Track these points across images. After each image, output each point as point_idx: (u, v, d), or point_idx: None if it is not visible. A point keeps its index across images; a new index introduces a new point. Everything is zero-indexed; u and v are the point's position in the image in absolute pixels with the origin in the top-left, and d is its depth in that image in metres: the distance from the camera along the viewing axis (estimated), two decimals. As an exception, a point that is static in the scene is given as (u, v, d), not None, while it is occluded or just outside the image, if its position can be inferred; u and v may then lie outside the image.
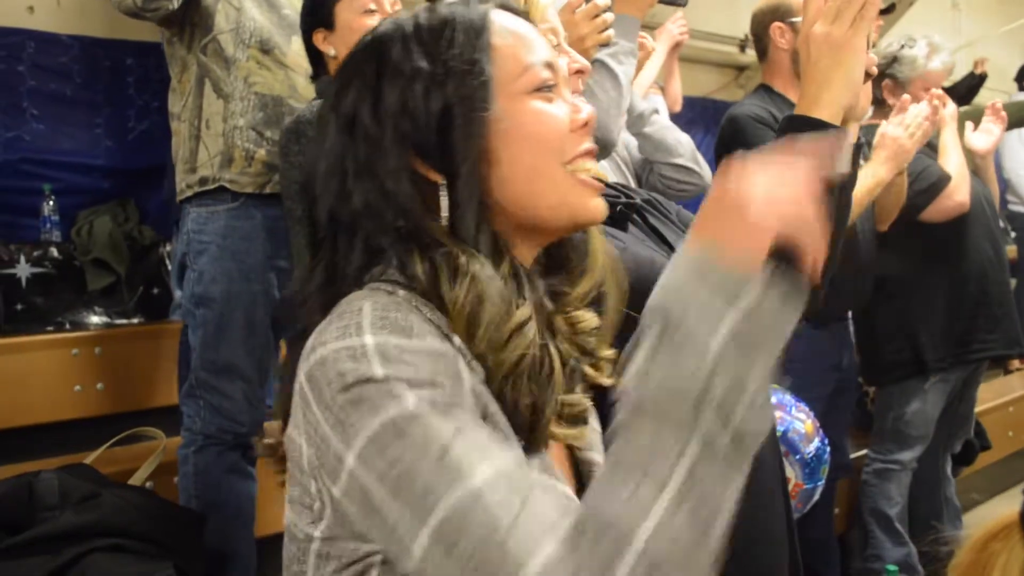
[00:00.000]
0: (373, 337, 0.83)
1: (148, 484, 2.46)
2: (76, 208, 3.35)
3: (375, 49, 0.99)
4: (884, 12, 4.06)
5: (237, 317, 2.47)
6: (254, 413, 2.51)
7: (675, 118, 4.19)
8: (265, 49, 2.46)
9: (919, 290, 3.20)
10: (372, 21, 2.34)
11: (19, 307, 3.03)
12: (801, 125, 1.31)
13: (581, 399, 1.00)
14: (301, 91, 2.48)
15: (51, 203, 3.30)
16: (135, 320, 3.22)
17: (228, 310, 2.47)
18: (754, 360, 0.78)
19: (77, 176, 3.42)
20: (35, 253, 3.14)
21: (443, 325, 0.88)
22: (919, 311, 3.21)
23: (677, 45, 3.87)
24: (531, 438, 0.91)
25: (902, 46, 3.15)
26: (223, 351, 2.48)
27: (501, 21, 1.00)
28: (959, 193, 3.02)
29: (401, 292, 0.89)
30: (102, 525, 1.95)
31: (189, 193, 2.52)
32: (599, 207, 1.01)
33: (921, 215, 3.01)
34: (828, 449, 2.53)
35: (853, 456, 3.61)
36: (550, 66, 1.00)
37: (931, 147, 3.11)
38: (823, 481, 2.52)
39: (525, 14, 1.05)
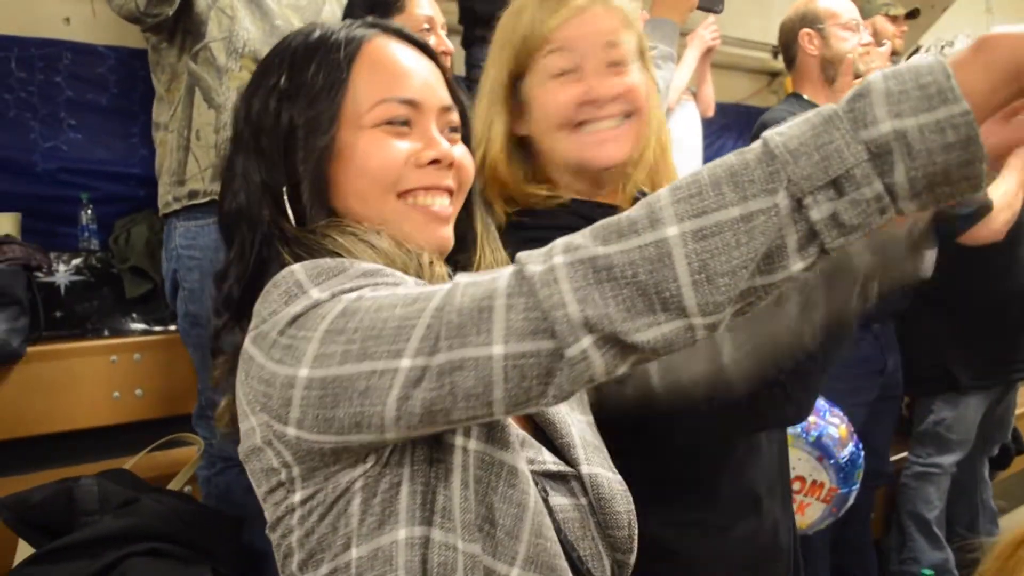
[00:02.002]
0: (317, 288, 0.89)
1: (186, 488, 2.47)
2: (113, 216, 3.37)
3: (264, 63, 1.10)
4: (908, 16, 4.03)
5: None
6: None
7: (707, 124, 4.19)
8: (258, 59, 2.37)
9: (959, 310, 3.15)
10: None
11: (58, 314, 3.05)
12: None
13: None
14: None
15: (89, 212, 3.33)
16: (172, 327, 3.24)
17: None
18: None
19: (114, 185, 3.44)
20: (74, 261, 3.16)
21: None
22: (956, 333, 3.16)
23: (709, 51, 3.86)
24: None
25: (941, 48, 3.11)
26: None
27: (377, 49, 1.07)
28: (996, 222, 2.95)
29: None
30: (141, 529, 1.96)
31: (176, 207, 2.45)
32: (436, 237, 1.06)
33: (957, 239, 2.97)
34: (862, 453, 2.52)
35: (892, 459, 3.57)
36: (411, 103, 1.05)
37: None
38: (858, 485, 2.51)
39: (420, 43, 1.11)
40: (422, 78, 1.08)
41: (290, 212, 1.03)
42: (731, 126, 5.30)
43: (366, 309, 0.85)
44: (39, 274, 2.99)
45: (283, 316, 0.89)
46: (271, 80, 1.06)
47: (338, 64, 1.04)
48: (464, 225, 1.13)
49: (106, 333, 3.13)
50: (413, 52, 1.09)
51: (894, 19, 4.00)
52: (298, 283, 0.90)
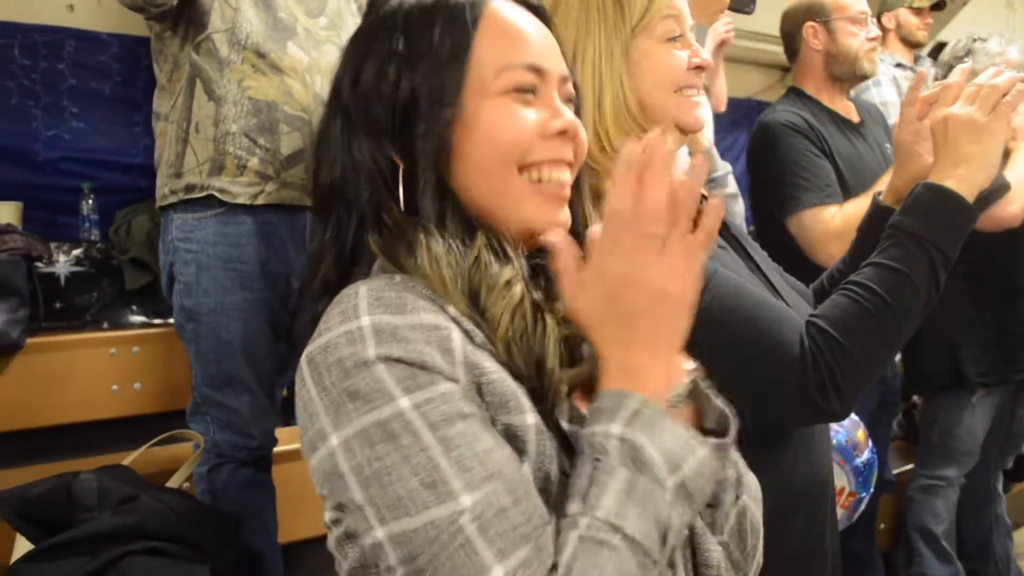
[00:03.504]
0: (369, 317, 0.87)
1: (185, 486, 2.43)
2: (115, 207, 3.35)
3: (372, 23, 1.03)
4: (934, 8, 3.95)
5: (234, 328, 2.35)
6: (265, 423, 2.42)
7: (719, 119, 4.14)
8: (260, 53, 2.32)
9: (967, 302, 3.06)
10: None
11: (58, 305, 3.03)
12: (939, 196, 1.31)
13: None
14: (297, 96, 2.35)
15: (90, 202, 3.30)
16: (172, 320, 3.20)
17: (223, 321, 2.35)
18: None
19: (116, 175, 3.42)
20: (74, 252, 3.14)
21: (438, 298, 0.91)
22: (965, 324, 3.07)
23: (722, 44, 3.81)
24: (545, 393, 0.91)
25: (973, 41, 3.04)
26: (224, 365, 2.37)
27: (497, 13, 1.00)
28: (1015, 204, 2.88)
29: (397, 277, 0.93)
30: (140, 527, 1.93)
31: (173, 200, 2.37)
32: (555, 220, 1.00)
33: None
34: (876, 458, 2.48)
35: (900, 471, 3.53)
36: (536, 70, 0.99)
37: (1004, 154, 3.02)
38: (872, 490, 2.48)
39: (537, 6, 1.05)
40: (545, 44, 1.03)
41: (401, 192, 0.97)
42: (742, 121, 5.27)
43: (396, 444, 0.82)
44: (39, 264, 2.96)
45: (339, 357, 0.86)
46: (385, 45, 0.99)
47: (463, 28, 0.98)
48: (573, 207, 1.07)
49: (105, 325, 3.11)
50: (532, 17, 1.04)
51: (919, 11, 3.94)
52: (355, 308, 0.88)
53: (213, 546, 2.06)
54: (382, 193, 0.97)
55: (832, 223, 2.52)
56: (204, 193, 2.33)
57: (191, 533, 2.02)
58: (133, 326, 3.14)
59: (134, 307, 3.19)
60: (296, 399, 0.91)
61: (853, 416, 2.45)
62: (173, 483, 2.38)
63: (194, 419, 2.45)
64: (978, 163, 1.32)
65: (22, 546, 1.97)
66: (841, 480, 2.34)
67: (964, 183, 1.31)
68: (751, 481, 1.07)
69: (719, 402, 0.97)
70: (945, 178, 1.32)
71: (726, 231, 1.47)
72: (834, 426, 2.35)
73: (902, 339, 1.30)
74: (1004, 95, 1.34)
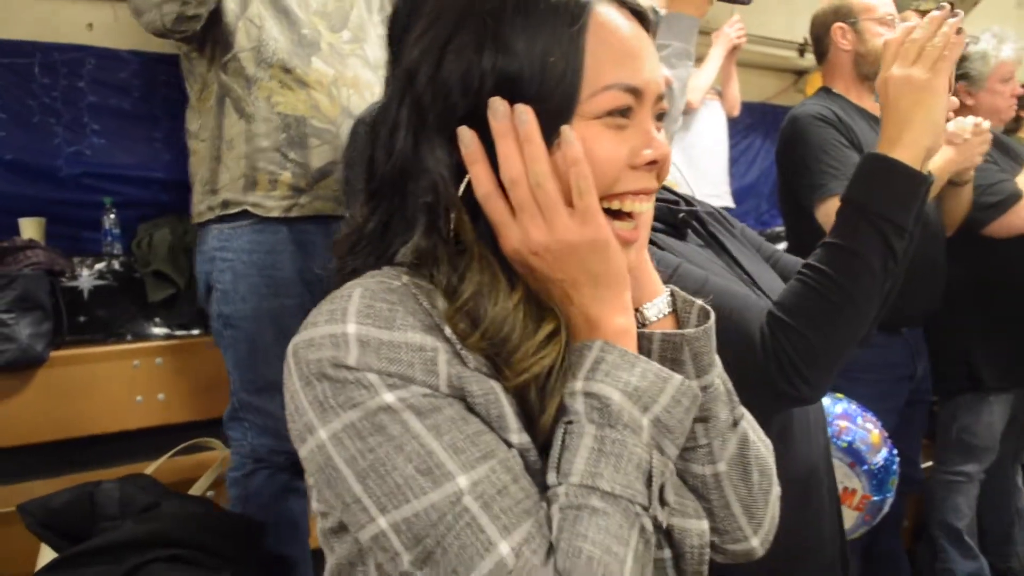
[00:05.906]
0: (356, 325, 0.83)
1: (209, 493, 2.46)
2: (136, 221, 3.37)
3: (462, 6, 0.88)
4: (940, 10, 3.95)
5: (270, 334, 2.41)
6: None
7: (732, 123, 4.16)
8: (287, 68, 2.38)
9: (981, 307, 3.09)
10: None
11: (81, 319, 3.06)
12: (880, 166, 1.31)
13: None
14: (324, 110, 2.42)
15: (112, 216, 3.33)
16: (195, 331, 3.24)
17: (260, 327, 2.41)
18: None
19: (137, 189, 3.44)
20: (97, 266, 3.17)
21: (437, 314, 0.86)
22: (980, 329, 3.10)
23: (735, 49, 3.83)
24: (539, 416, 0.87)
25: (967, 44, 3.06)
26: (261, 370, 2.43)
27: (604, 21, 0.88)
28: None
29: (405, 277, 0.88)
30: (162, 535, 1.96)
31: (210, 216, 2.45)
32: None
33: (984, 230, 2.92)
34: (897, 460, 2.46)
35: (922, 467, 3.52)
36: (633, 91, 0.87)
37: (1016, 159, 3.03)
38: (892, 493, 2.45)
39: (640, 11, 0.92)
40: (648, 59, 0.89)
41: (464, 216, 0.87)
42: (757, 126, 5.27)
43: (388, 435, 0.80)
44: (63, 279, 2.99)
45: (319, 357, 0.83)
46: (469, 34, 0.86)
47: (571, 39, 0.85)
48: None
49: (129, 338, 3.13)
50: (636, 25, 0.90)
51: (924, 13, 3.94)
52: (344, 312, 0.84)
53: (235, 553, 2.09)
54: (448, 200, 0.87)
55: None
56: (239, 208, 2.41)
57: (213, 540, 2.04)
58: (156, 338, 3.17)
59: (156, 319, 3.22)
60: (284, 387, 0.88)
61: (871, 417, 2.44)
62: (195, 491, 2.41)
63: (231, 424, 2.49)
64: (921, 125, 1.30)
65: (46, 555, 2.00)
66: (853, 482, 2.32)
67: (909, 148, 1.29)
68: (762, 443, 1.03)
69: (698, 301, 0.97)
70: (890, 145, 1.30)
71: (703, 230, 1.48)
72: (848, 427, 2.34)
73: (862, 313, 1.28)
74: (943, 48, 1.32)
